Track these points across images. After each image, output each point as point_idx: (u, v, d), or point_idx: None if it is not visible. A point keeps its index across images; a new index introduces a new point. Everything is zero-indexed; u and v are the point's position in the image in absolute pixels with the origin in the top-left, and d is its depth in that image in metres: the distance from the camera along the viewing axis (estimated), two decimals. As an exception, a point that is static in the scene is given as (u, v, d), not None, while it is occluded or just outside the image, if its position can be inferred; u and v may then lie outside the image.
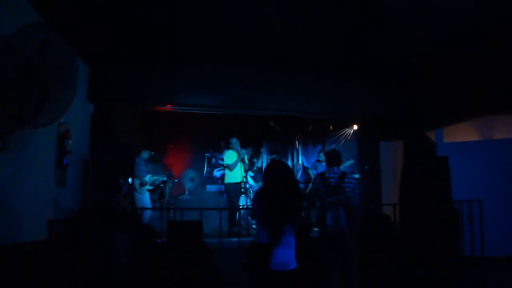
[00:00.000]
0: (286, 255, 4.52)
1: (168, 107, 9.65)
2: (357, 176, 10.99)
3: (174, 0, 6.26)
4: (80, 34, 6.72)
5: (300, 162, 14.31)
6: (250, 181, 12.23)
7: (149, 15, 6.65)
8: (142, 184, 10.66)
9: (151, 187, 11.01)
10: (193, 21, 6.87)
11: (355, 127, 11.97)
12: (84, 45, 7.11)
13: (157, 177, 11.16)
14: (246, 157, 11.32)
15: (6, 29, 4.82)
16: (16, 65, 4.69)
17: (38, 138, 5.93)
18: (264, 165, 13.84)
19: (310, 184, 11.43)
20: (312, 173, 12.11)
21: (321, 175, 7.04)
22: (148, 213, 10.35)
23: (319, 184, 6.95)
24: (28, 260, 5.33)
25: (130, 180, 9.06)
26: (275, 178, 4.69)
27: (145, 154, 11.04)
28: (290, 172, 4.89)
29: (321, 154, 12.11)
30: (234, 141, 11.11)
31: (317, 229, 7.55)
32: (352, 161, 11.42)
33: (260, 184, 12.58)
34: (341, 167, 7.37)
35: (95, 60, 8.07)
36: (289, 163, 14.21)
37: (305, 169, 13.70)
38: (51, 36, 4.93)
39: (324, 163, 11.36)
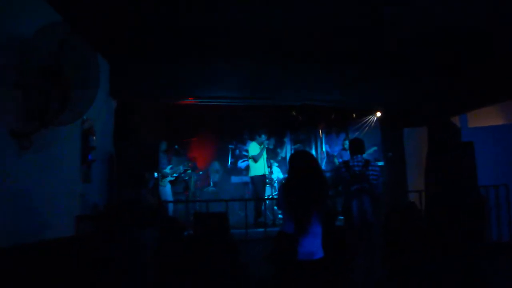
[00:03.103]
0: (312, 244, 4.52)
1: (191, 100, 9.68)
2: (381, 163, 10.93)
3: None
4: (100, 30, 6.75)
5: (324, 150, 14.27)
6: (277, 171, 12.24)
7: (170, 9, 6.64)
8: (164, 176, 10.73)
9: (173, 178, 11.06)
10: (215, 13, 6.85)
11: (379, 114, 11.87)
12: (104, 41, 7.14)
13: (177, 168, 11.22)
14: (266, 149, 11.30)
15: (27, 30, 4.89)
16: (37, 65, 4.74)
17: (63, 135, 5.99)
18: (288, 155, 13.86)
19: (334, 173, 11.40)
20: (338, 161, 12.07)
21: (345, 164, 7.02)
22: (170, 205, 10.42)
23: (344, 173, 6.93)
24: (57, 257, 5.41)
25: (156, 174, 9.12)
26: (300, 168, 4.68)
27: (163, 146, 11.09)
28: (315, 161, 4.89)
29: (346, 142, 12.05)
30: (262, 132, 11.13)
31: (342, 217, 7.54)
32: (375, 148, 11.36)
33: (285, 175, 12.60)
34: (365, 154, 7.33)
35: (115, 55, 8.10)
36: (313, 152, 14.17)
37: (329, 157, 13.66)
38: (71, 35, 4.97)
39: (348, 151, 11.31)
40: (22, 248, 4.80)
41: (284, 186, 4.83)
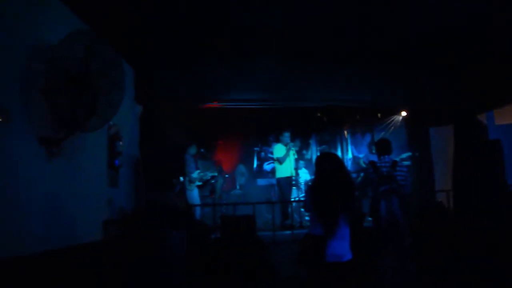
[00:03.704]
0: (341, 246, 4.50)
1: (216, 103, 9.70)
2: (408, 163, 10.83)
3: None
4: (124, 37, 6.81)
5: (349, 151, 14.19)
6: (304, 172, 12.21)
7: (193, 14, 6.67)
8: (191, 181, 10.76)
9: (200, 183, 11.09)
10: (239, 18, 6.87)
11: (404, 113, 11.77)
12: (128, 47, 7.20)
13: (204, 173, 11.24)
14: (294, 150, 11.28)
15: (54, 38, 4.96)
16: (65, 73, 4.80)
17: (90, 141, 6.06)
18: (314, 156, 13.81)
19: (362, 174, 11.33)
20: (364, 164, 11.99)
21: (373, 165, 6.98)
22: (197, 209, 10.45)
23: (371, 174, 6.89)
24: (86, 261, 5.46)
25: (181, 178, 9.15)
26: (327, 170, 4.67)
27: (192, 150, 11.11)
28: (341, 163, 4.87)
29: (373, 146, 11.95)
30: (286, 134, 11.12)
31: (370, 218, 7.49)
32: (410, 154, 11.23)
33: (312, 176, 12.56)
34: (398, 159, 7.29)
35: (140, 61, 8.16)
36: (339, 153, 14.10)
37: (355, 158, 13.58)
38: (96, 42, 5.03)
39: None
40: (52, 254, 4.86)
41: (311, 188, 4.82)
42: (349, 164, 13.42)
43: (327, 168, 4.69)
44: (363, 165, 11.73)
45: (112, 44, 5.49)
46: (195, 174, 10.89)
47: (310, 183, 11.94)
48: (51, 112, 5.00)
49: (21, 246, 4.39)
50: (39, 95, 4.82)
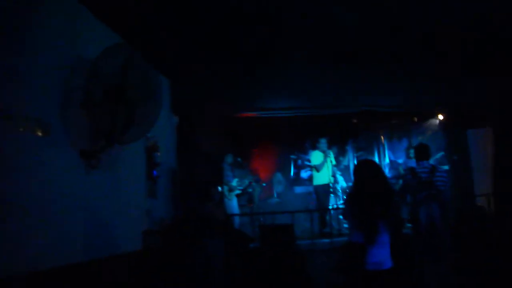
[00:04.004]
0: (381, 254, 4.44)
1: (251, 112, 9.73)
2: (446, 167, 10.65)
3: (253, 7, 6.28)
4: (159, 49, 6.88)
5: (387, 156, 14.05)
6: (341, 180, 12.12)
7: (227, 24, 6.71)
8: (231, 190, 10.77)
9: (240, 191, 11.10)
10: (273, 26, 6.88)
11: (441, 117, 11.60)
12: (163, 59, 7.27)
13: (242, 181, 11.25)
14: (332, 157, 11.22)
15: (91, 52, 5.06)
16: (102, 86, 4.89)
17: (129, 153, 6.14)
18: (351, 163, 13.71)
19: (400, 181, 11.19)
20: (402, 169, 11.84)
21: (412, 170, 6.89)
22: (236, 218, 10.45)
23: (410, 180, 6.80)
24: (125, 270, 5.53)
25: (220, 188, 9.18)
26: (366, 178, 4.63)
27: (229, 159, 11.13)
28: (380, 169, 4.82)
29: (411, 151, 11.78)
30: (323, 141, 11.05)
31: (409, 225, 7.39)
32: (442, 153, 11.07)
33: (349, 183, 12.47)
34: (431, 160, 7.18)
35: (175, 72, 8.23)
36: (376, 158, 13.96)
37: (392, 163, 13.43)
38: (133, 56, 5.10)
39: (413, 159, 11.12)
40: (92, 263, 4.93)
41: (351, 196, 4.79)
42: (386, 170, 13.27)
43: (366, 175, 4.64)
44: (402, 172, 11.59)
45: (148, 57, 5.56)
46: (234, 182, 10.90)
47: (348, 191, 11.86)
48: (90, 125, 5.10)
49: (62, 257, 4.47)
50: (78, 108, 4.91)
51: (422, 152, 6.96)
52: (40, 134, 4.29)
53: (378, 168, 4.84)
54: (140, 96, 5.03)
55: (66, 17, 4.94)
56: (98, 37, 5.62)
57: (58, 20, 4.78)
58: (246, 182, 11.34)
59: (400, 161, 12.88)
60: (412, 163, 10.98)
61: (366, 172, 4.69)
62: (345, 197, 7.47)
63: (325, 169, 10.85)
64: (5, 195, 3.70)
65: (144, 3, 5.73)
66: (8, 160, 3.79)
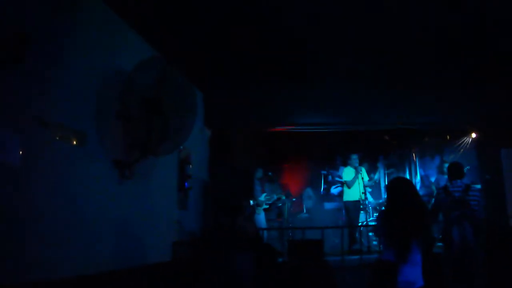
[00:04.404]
0: (413, 273, 4.41)
1: (283, 127, 9.74)
2: (478, 186, 10.49)
3: (289, 23, 6.31)
4: (193, 62, 6.95)
5: (418, 174, 13.91)
6: (369, 197, 12.03)
7: (260, 39, 6.75)
8: (258, 204, 10.79)
9: (267, 206, 11.10)
10: (307, 42, 6.90)
11: (474, 135, 11.45)
12: (197, 72, 7.34)
13: (271, 196, 11.25)
14: (364, 173, 11.16)
15: (127, 65, 5.15)
16: (138, 98, 4.96)
17: (162, 164, 6.20)
18: (382, 180, 13.62)
19: (432, 199, 11.06)
20: (435, 188, 11.69)
21: (445, 189, 6.81)
22: (264, 232, 10.44)
23: (443, 199, 6.71)
24: (155, 281, 5.56)
25: (252, 202, 9.20)
26: (399, 196, 4.61)
27: (258, 174, 11.16)
28: (413, 188, 4.80)
29: (445, 165, 11.62)
30: (355, 157, 11.01)
31: (440, 244, 7.30)
32: (468, 167, 10.89)
33: (379, 200, 12.38)
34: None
35: (209, 85, 8.30)
36: (407, 176, 13.84)
37: (424, 181, 13.28)
38: (169, 68, 5.17)
39: (446, 176, 10.99)
40: (122, 273, 4.97)
41: (384, 214, 4.77)
42: (417, 187, 13.12)
43: (400, 193, 4.62)
44: (434, 190, 11.45)
45: (182, 70, 5.63)
46: (262, 197, 10.92)
47: (378, 207, 11.77)
48: (124, 136, 5.16)
49: (92, 265, 4.52)
50: (113, 119, 4.98)
51: (456, 171, 6.88)
52: (75, 143, 4.36)
53: (411, 186, 4.82)
54: (175, 109, 5.09)
55: (103, 28, 5.02)
56: (134, 49, 5.71)
57: (95, 31, 4.86)
58: (274, 197, 11.36)
59: (432, 179, 12.73)
60: (444, 180, 10.86)
61: (400, 190, 4.67)
62: (378, 215, 7.41)
63: (356, 185, 10.80)
64: (38, 201, 3.76)
65: (180, 17, 5.81)
66: (43, 167, 3.86)
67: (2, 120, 3.40)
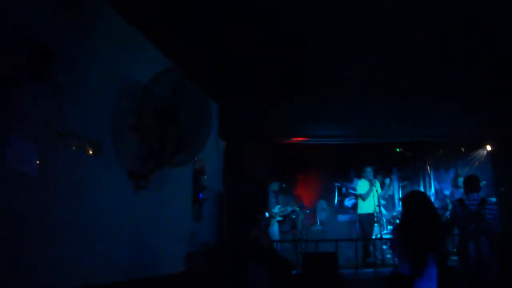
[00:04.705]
0: (428, 286, 4.38)
1: (297, 139, 9.74)
2: (494, 199, 10.40)
3: (304, 32, 6.31)
4: (209, 75, 6.99)
5: (432, 186, 13.84)
6: (383, 209, 11.98)
7: (274, 52, 6.76)
8: (272, 216, 10.78)
9: (281, 218, 11.10)
10: (321, 55, 6.91)
11: (489, 147, 11.38)
12: (212, 84, 7.37)
13: (285, 208, 11.24)
14: (378, 186, 11.12)
15: (143, 76, 5.19)
16: (154, 109, 5.00)
17: (177, 175, 6.22)
18: (396, 192, 13.56)
19: (447, 213, 10.99)
20: (450, 201, 11.62)
21: (461, 202, 6.77)
22: (278, 244, 10.43)
23: (459, 212, 6.67)
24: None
25: (267, 214, 9.19)
26: (414, 209, 4.59)
27: (274, 186, 11.18)
28: (429, 202, 4.78)
29: (460, 180, 11.54)
30: (369, 170, 11.00)
31: (455, 257, 7.24)
32: (484, 182, 10.81)
33: (393, 213, 12.33)
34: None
35: (223, 97, 8.33)
36: (421, 188, 13.78)
37: (438, 194, 13.21)
38: (184, 80, 5.21)
39: (461, 189, 10.93)
40: (136, 283, 4.99)
41: (399, 227, 4.76)
42: (432, 199, 13.03)
43: (415, 206, 4.61)
44: (449, 203, 11.39)
45: (198, 82, 5.66)
46: (276, 209, 10.92)
47: (392, 220, 11.71)
48: (140, 147, 5.19)
49: (107, 274, 4.54)
50: (129, 130, 5.01)
51: (472, 184, 6.84)
52: (91, 153, 4.39)
53: (427, 199, 4.81)
54: (191, 120, 5.12)
55: (119, 39, 5.06)
56: (150, 60, 5.76)
57: (112, 43, 4.91)
58: (289, 209, 11.36)
59: (447, 192, 12.66)
60: (459, 193, 10.80)
61: (415, 203, 4.65)
62: (393, 228, 7.38)
63: (370, 198, 10.77)
64: (54, 210, 3.79)
65: (195, 29, 5.84)
66: (59, 177, 3.89)
67: (20, 130, 3.43)
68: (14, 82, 3.37)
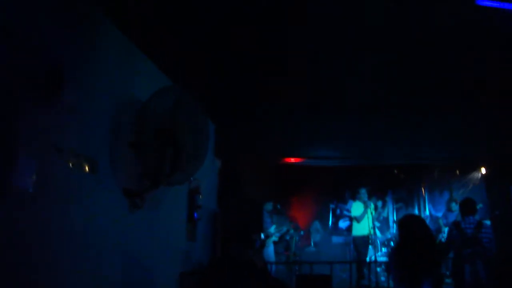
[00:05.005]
0: (423, 310, 4.36)
1: (292, 159, 9.75)
2: (488, 222, 10.41)
3: (299, 55, 6.34)
4: (206, 95, 6.99)
5: (427, 209, 13.85)
6: (377, 232, 11.96)
7: (271, 73, 6.79)
8: (268, 236, 10.73)
9: (276, 239, 11.05)
10: (317, 77, 6.94)
11: (483, 170, 11.42)
12: (209, 104, 7.38)
13: (280, 228, 11.21)
14: (372, 208, 11.11)
15: (143, 95, 5.18)
16: (152, 127, 4.97)
17: (172, 194, 6.17)
18: (390, 215, 13.55)
19: (440, 235, 10.98)
20: (442, 223, 11.62)
21: (457, 225, 6.76)
22: (272, 266, 10.37)
23: (455, 235, 6.66)
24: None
25: (262, 235, 9.14)
26: (410, 233, 4.59)
27: (269, 206, 11.14)
28: (425, 225, 4.79)
29: (452, 204, 11.54)
30: (363, 191, 10.99)
31: (448, 280, 7.23)
32: (481, 205, 10.84)
33: (387, 235, 12.31)
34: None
35: (220, 117, 8.34)
36: (416, 211, 13.79)
37: (432, 217, 13.22)
38: (184, 98, 5.20)
39: (454, 212, 10.95)
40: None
41: (395, 250, 4.75)
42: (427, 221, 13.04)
43: (412, 231, 4.61)
44: (442, 225, 11.39)
45: (195, 101, 5.65)
46: (272, 229, 10.87)
47: (387, 242, 11.68)
48: (136, 165, 5.16)
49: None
50: (126, 148, 4.98)
51: (468, 207, 6.83)
52: (87, 170, 4.36)
53: (423, 223, 4.81)
54: (190, 139, 5.10)
55: (118, 56, 5.06)
56: (148, 77, 5.75)
57: (110, 58, 4.90)
58: (284, 229, 11.32)
59: (439, 214, 12.68)
60: (452, 216, 10.81)
61: (411, 227, 4.66)
62: (389, 251, 7.36)
63: (365, 220, 10.75)
64: (47, 226, 3.74)
65: (194, 49, 5.86)
66: (55, 193, 3.85)
67: (18, 145, 3.41)
68: (32, 103, 3.43)
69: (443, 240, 10.28)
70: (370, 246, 11.34)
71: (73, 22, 4.18)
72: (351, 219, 11.28)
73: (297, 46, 6.00)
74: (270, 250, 10.71)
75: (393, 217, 13.86)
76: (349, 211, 11.48)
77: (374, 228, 11.27)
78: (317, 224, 12.98)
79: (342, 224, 12.86)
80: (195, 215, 7.23)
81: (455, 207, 11.17)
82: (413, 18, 5.31)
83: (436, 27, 5.47)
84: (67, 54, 3.98)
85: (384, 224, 13.07)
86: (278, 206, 11.55)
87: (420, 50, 6.17)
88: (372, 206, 11.13)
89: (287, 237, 11.65)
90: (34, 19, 3.62)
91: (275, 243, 11.00)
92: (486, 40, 5.82)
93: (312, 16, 5.28)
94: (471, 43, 5.89)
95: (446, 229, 10.79)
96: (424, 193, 14.27)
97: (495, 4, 4.70)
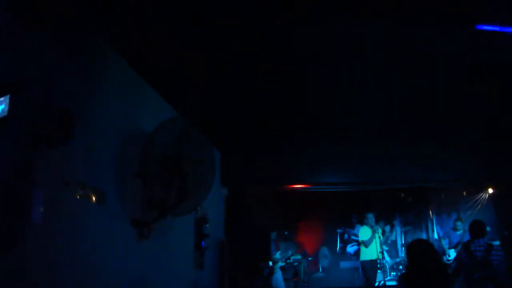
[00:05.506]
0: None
1: (298, 186, 9.74)
2: (497, 243, 10.33)
3: (301, 84, 6.39)
4: (211, 124, 7.04)
5: (435, 232, 13.76)
6: (386, 256, 11.88)
7: (276, 103, 6.83)
8: (274, 262, 10.68)
9: (283, 264, 11.00)
10: (321, 103, 6.97)
11: (491, 191, 11.38)
12: (214, 132, 7.41)
13: (285, 253, 11.18)
14: (380, 232, 11.05)
15: (148, 125, 5.23)
16: (158, 158, 5.00)
17: (179, 223, 6.18)
18: (398, 238, 13.47)
19: (444, 258, 10.88)
20: (444, 242, 11.54)
21: (466, 248, 6.68)
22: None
23: (465, 258, 6.59)
24: None
25: (270, 263, 9.12)
26: (420, 258, 4.57)
27: (272, 235, 11.15)
28: (433, 250, 4.76)
29: (458, 223, 11.49)
30: (370, 216, 10.95)
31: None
32: (489, 229, 10.78)
33: (396, 259, 12.23)
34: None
35: (225, 145, 8.38)
36: (424, 235, 13.69)
37: (440, 240, 13.14)
38: (189, 128, 5.23)
39: (458, 232, 10.90)
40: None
41: (404, 277, 4.72)
42: (435, 245, 12.95)
43: (421, 256, 4.59)
44: (445, 246, 11.32)
45: (200, 131, 5.69)
46: (277, 255, 10.84)
47: (395, 267, 11.60)
48: (143, 195, 5.18)
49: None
50: (133, 178, 5.01)
51: (477, 229, 6.75)
52: (95, 201, 4.38)
53: (431, 248, 4.78)
54: (196, 168, 5.13)
55: (124, 87, 5.12)
56: (154, 109, 5.81)
57: (117, 92, 4.96)
58: (289, 253, 11.29)
59: (441, 233, 12.61)
60: (456, 236, 10.75)
61: (420, 253, 4.63)
62: (399, 277, 7.29)
63: (373, 244, 10.69)
64: (56, 257, 3.75)
65: (198, 80, 5.91)
66: (63, 225, 3.87)
67: (26, 177, 3.43)
68: (46, 146, 3.51)
69: (447, 262, 10.19)
70: (379, 271, 11.26)
71: (83, 59, 4.25)
72: (359, 243, 11.21)
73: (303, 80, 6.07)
74: (278, 277, 10.65)
75: (401, 240, 13.78)
76: (356, 235, 11.41)
77: (382, 252, 11.20)
78: (325, 250, 12.93)
79: (350, 249, 12.78)
80: (203, 243, 7.22)
81: (460, 226, 11.13)
82: (417, 46, 5.37)
83: (439, 53, 5.52)
84: (77, 90, 4.04)
85: (392, 247, 12.99)
86: (286, 233, 11.53)
87: (426, 77, 6.23)
88: (380, 230, 11.07)
89: (295, 264, 11.59)
90: (47, 68, 3.70)
91: (282, 269, 10.94)
92: (488, 65, 5.87)
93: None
94: (474, 68, 5.95)
95: (450, 251, 10.77)
96: (432, 215, 14.19)
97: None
